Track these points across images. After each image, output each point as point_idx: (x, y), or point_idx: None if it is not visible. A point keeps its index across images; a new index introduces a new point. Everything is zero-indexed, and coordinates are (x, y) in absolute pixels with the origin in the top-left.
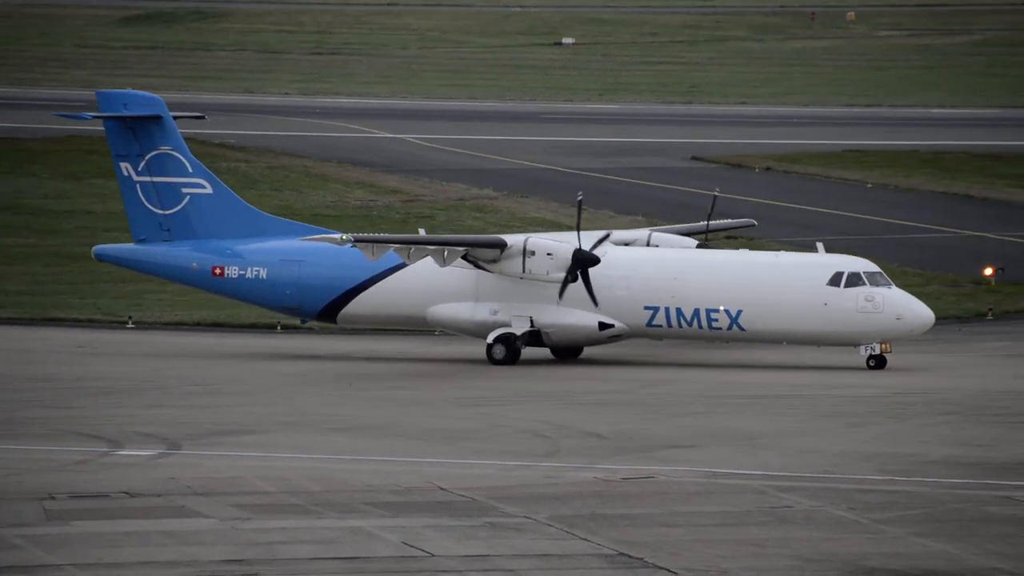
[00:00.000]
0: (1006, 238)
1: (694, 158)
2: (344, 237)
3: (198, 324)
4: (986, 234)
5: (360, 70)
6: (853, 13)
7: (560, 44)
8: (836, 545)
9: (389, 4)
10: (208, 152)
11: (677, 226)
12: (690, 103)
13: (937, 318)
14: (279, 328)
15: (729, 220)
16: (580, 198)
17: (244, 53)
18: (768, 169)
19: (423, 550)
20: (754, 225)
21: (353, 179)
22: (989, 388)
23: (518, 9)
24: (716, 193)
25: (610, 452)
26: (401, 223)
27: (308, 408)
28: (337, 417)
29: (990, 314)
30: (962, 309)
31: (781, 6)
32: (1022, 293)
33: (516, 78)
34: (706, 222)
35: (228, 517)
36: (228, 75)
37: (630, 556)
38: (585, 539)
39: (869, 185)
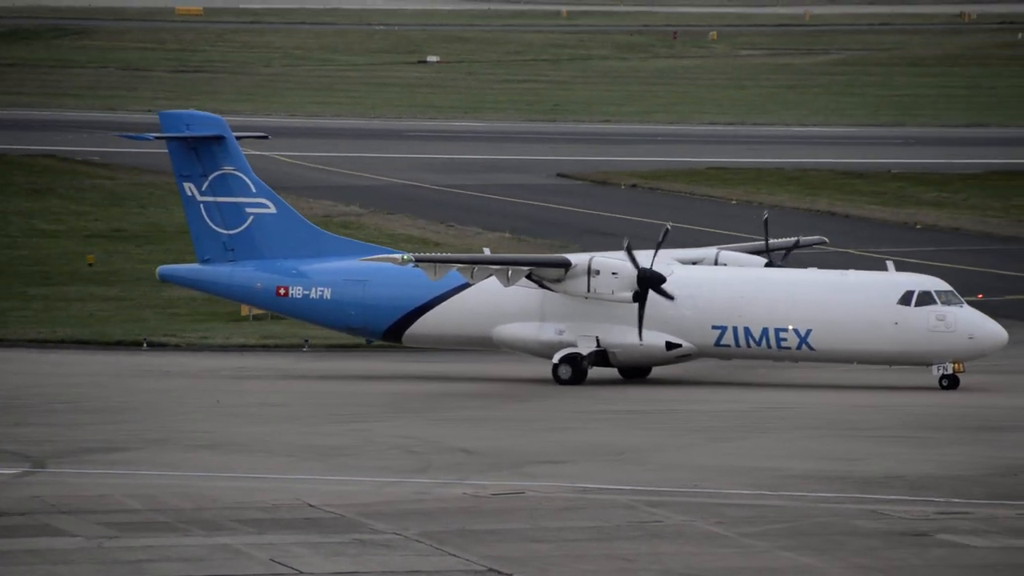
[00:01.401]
0: (867, 254)
1: (559, 175)
2: (405, 257)
3: (62, 341)
4: (848, 250)
5: (224, 87)
6: (715, 32)
7: (425, 62)
8: (705, 560)
9: (252, 22)
10: (73, 169)
11: (744, 244)
12: (555, 121)
13: None
14: (145, 345)
15: (799, 237)
16: (668, 228)
17: (106, 70)
18: (633, 186)
19: (291, 567)
20: (826, 242)
21: None
22: (854, 402)
23: (382, 27)
24: (766, 216)
25: (480, 468)
26: None
27: (176, 425)
28: (205, 434)
29: None
30: None
31: (644, 25)
32: None
33: (381, 96)
34: (765, 241)
35: (94, 535)
36: (90, 92)
37: (499, 572)
38: (454, 555)
39: (733, 202)
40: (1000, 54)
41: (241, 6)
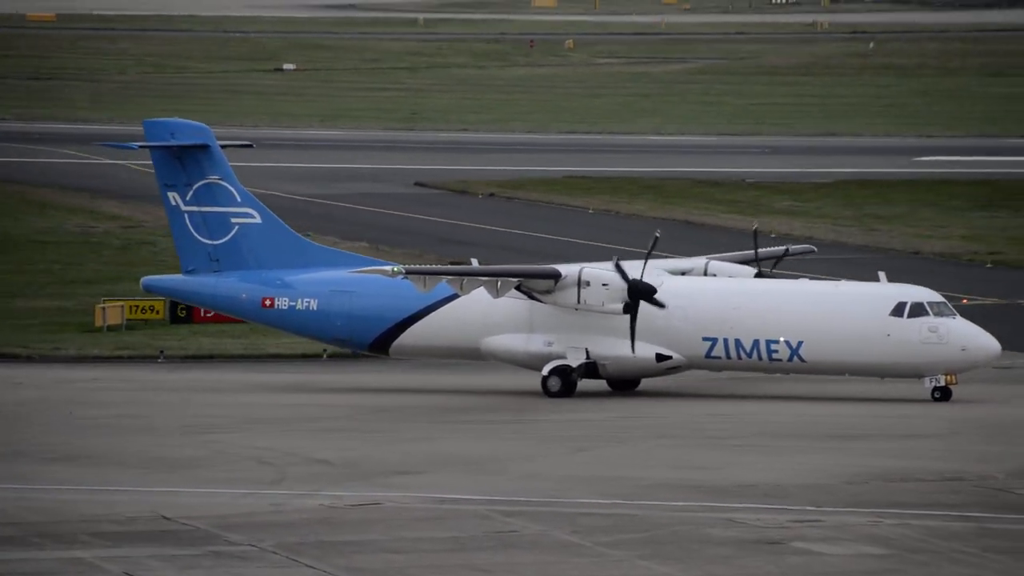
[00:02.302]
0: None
1: (417, 184)
2: (395, 268)
3: None
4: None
5: (78, 95)
6: (571, 41)
7: (281, 70)
8: (562, 569)
9: (106, 29)
10: None
11: (734, 254)
12: (412, 129)
13: None
14: None
15: (788, 246)
16: (658, 235)
17: None
18: (491, 195)
19: None
20: (814, 251)
21: (71, 205)
22: (712, 411)
23: (238, 35)
24: (755, 226)
25: (337, 479)
26: (122, 250)
27: (28, 438)
28: (58, 446)
29: None
30: None
31: (501, 33)
32: None
33: (237, 103)
34: (754, 251)
35: None
36: None
37: None
38: (311, 566)
39: (591, 211)
40: (852, 63)
41: (95, 12)
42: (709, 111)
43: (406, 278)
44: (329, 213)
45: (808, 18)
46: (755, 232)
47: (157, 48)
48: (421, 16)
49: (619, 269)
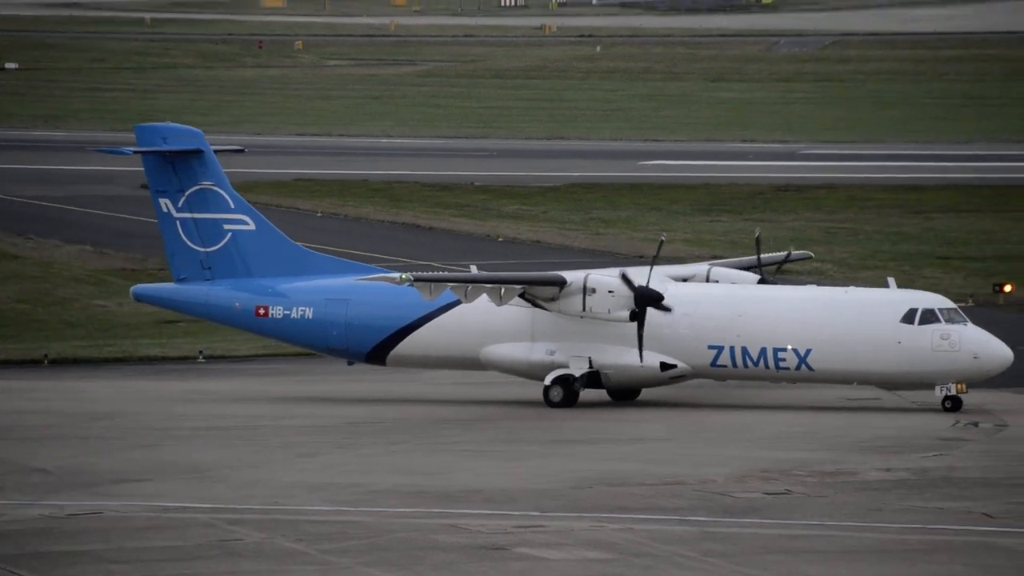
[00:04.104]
0: (453, 267)
1: (143, 186)
2: (403, 276)
3: None
4: (433, 263)
5: None
6: (301, 42)
7: (3, 69)
8: None
9: None
10: None
11: (735, 259)
12: None
13: None
14: None
15: (789, 251)
16: (663, 238)
17: None
18: None
19: None
20: (811, 257)
21: None
22: (439, 415)
23: None
24: (758, 233)
25: (55, 488)
26: None
27: None
28: None
29: None
30: None
31: (229, 34)
32: None
33: None
34: (756, 256)
35: None
36: None
37: None
38: None
39: (319, 214)
40: (580, 67)
41: None
42: (438, 114)
43: (413, 286)
44: (52, 215)
45: (536, 21)
46: (757, 239)
47: None
48: (148, 15)
49: (626, 280)
